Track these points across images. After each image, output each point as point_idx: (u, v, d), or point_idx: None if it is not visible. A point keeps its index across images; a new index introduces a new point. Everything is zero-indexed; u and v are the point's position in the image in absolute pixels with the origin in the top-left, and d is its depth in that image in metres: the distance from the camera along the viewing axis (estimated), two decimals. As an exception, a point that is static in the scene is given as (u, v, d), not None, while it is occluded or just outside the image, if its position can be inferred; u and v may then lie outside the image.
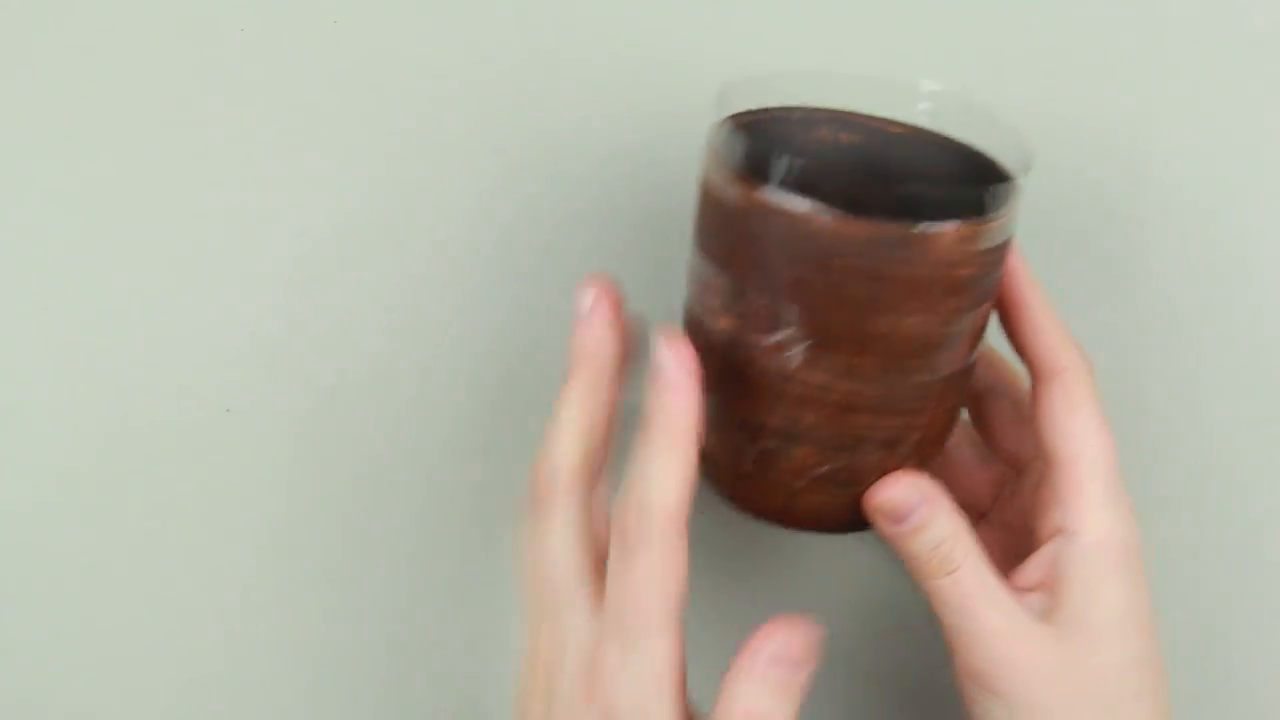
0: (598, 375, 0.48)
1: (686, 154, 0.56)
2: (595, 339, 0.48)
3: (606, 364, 0.48)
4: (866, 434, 0.47)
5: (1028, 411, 0.51)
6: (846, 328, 0.46)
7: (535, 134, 0.58)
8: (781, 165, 0.45)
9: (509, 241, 0.58)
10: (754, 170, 0.46)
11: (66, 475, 0.59)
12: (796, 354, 0.46)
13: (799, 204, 0.45)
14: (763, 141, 0.49)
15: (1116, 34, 0.58)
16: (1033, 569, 0.49)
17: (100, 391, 0.59)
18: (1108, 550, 0.48)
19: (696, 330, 0.49)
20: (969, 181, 0.50)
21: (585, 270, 0.58)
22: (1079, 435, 0.49)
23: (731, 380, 0.48)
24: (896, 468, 0.48)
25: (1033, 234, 0.58)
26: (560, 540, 0.46)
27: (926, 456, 0.49)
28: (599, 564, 0.46)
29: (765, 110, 0.51)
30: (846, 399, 0.47)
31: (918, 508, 0.47)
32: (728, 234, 0.47)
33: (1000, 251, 0.47)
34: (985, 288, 0.47)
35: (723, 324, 0.47)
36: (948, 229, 0.45)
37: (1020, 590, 0.48)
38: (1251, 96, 0.58)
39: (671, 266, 0.53)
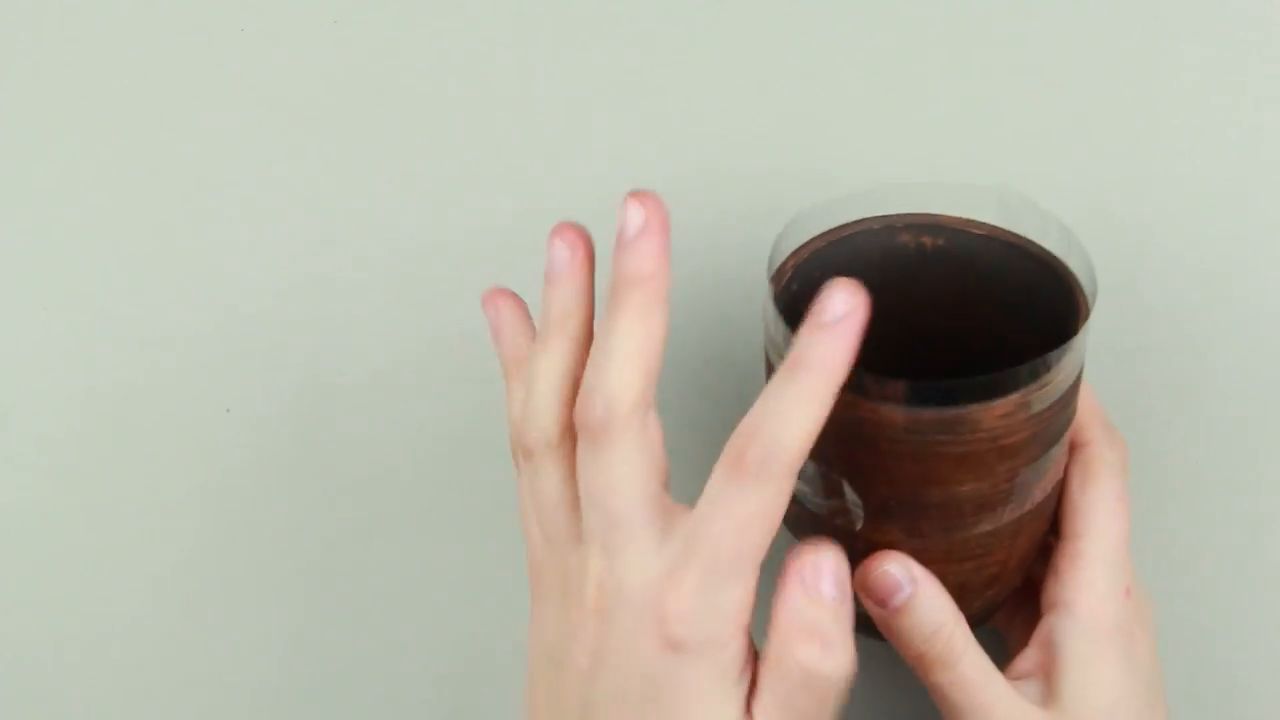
0: (652, 297, 0.44)
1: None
2: (652, 257, 0.43)
3: (662, 284, 0.44)
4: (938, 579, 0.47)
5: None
6: (901, 499, 0.45)
7: (538, 131, 0.58)
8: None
9: (511, 240, 0.58)
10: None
11: (66, 475, 0.59)
12: (858, 517, 0.46)
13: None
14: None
15: (1116, 35, 0.58)
16: (1031, 652, 0.49)
17: (100, 391, 0.59)
18: (1103, 629, 0.48)
19: None
20: (1044, 304, 0.49)
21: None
22: (1088, 511, 0.49)
23: (805, 529, 0.48)
24: (973, 606, 0.48)
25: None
26: (628, 470, 0.43)
27: (1006, 586, 0.49)
28: (664, 494, 0.44)
29: (819, 239, 0.49)
30: (912, 552, 0.46)
31: (904, 586, 0.47)
32: None
33: (1062, 403, 0.46)
34: (1049, 437, 0.46)
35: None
36: (994, 406, 0.44)
37: (1020, 675, 0.49)
38: (1251, 97, 0.58)
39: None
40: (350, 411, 0.59)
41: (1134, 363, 0.58)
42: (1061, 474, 0.49)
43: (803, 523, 0.48)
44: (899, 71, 0.58)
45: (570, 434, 0.45)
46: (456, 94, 0.58)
